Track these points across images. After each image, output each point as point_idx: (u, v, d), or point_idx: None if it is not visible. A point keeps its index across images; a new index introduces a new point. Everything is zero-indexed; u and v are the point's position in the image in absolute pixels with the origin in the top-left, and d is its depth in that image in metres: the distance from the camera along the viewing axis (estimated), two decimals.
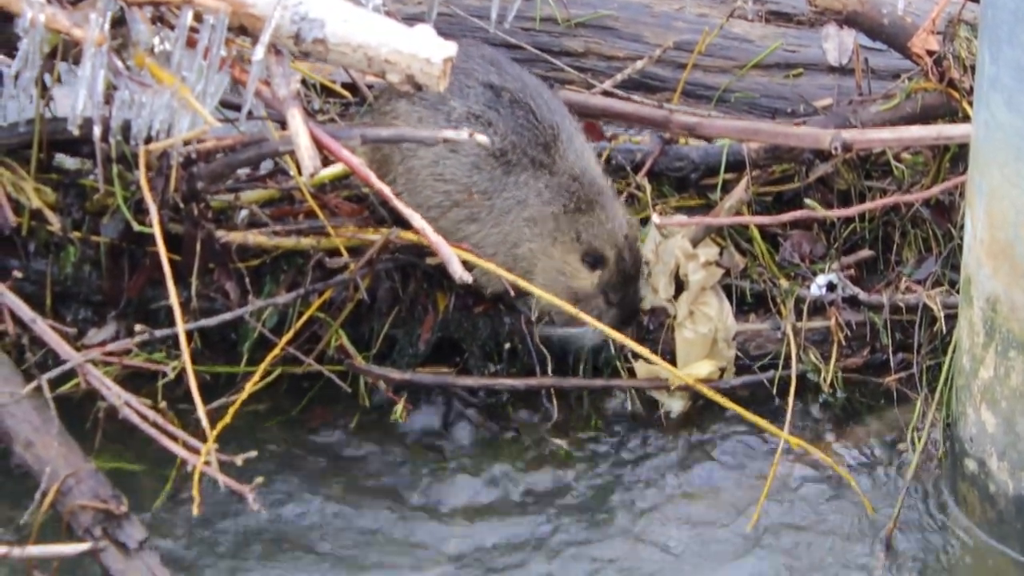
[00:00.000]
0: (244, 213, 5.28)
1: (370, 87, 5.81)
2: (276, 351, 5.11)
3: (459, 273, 4.11)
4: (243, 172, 5.44)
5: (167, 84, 4.23)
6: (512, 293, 5.04)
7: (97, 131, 4.32)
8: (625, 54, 6.23)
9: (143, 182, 4.80)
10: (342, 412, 5.23)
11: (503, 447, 5.19)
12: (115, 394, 4.48)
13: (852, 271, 5.55)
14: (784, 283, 5.46)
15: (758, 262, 5.54)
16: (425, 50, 4.20)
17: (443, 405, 5.27)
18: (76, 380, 4.61)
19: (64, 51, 4.49)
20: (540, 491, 5.04)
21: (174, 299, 4.55)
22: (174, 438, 4.41)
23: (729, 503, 5.00)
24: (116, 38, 4.23)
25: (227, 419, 4.76)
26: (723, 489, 5.06)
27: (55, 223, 5.16)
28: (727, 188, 5.64)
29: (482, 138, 4.39)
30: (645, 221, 5.50)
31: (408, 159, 5.16)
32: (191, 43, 4.21)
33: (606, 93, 6.02)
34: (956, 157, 5.55)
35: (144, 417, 4.43)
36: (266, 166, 5.50)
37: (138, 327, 4.91)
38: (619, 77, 6.13)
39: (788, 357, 5.31)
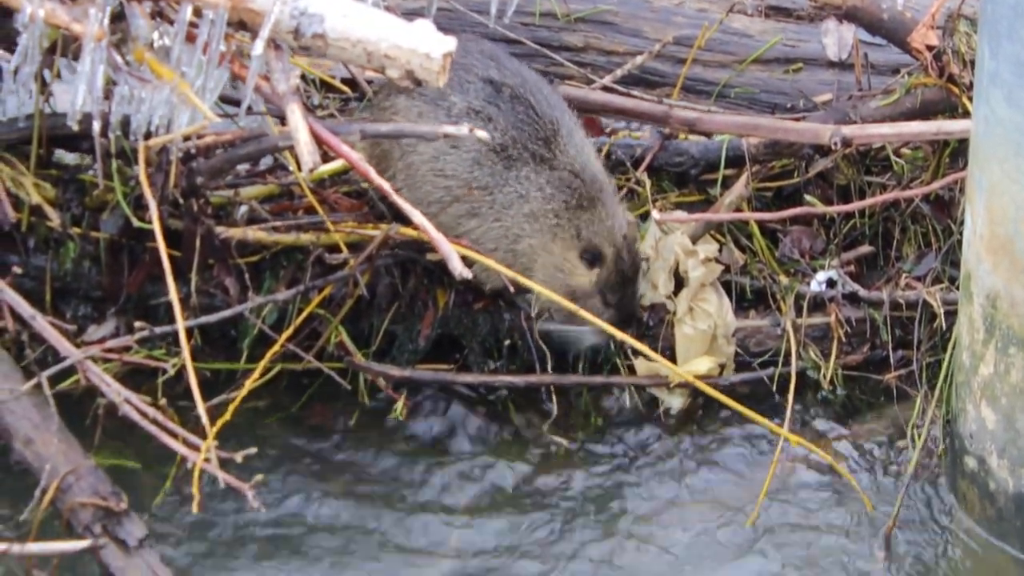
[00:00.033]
0: (244, 209, 5.27)
1: (369, 82, 5.81)
2: (276, 348, 5.11)
3: (459, 269, 4.11)
4: (243, 168, 5.44)
5: (166, 79, 4.22)
6: (512, 290, 5.03)
7: (96, 126, 4.31)
8: (625, 49, 6.23)
9: (143, 178, 4.79)
10: (342, 409, 5.23)
11: (503, 444, 5.18)
12: (115, 391, 4.48)
13: (852, 267, 5.55)
14: (784, 279, 5.46)
15: (758, 258, 5.54)
16: (425, 45, 4.19)
17: (443, 402, 5.26)
18: (76, 377, 4.60)
19: (63, 46, 4.49)
20: (540, 489, 5.04)
21: (174, 295, 4.55)
22: (174, 435, 4.40)
23: (729, 500, 5.00)
24: (115, 33, 4.23)
25: (227, 416, 4.76)
26: (723, 486, 5.06)
27: (54, 219, 5.15)
28: (727, 184, 5.64)
29: (482, 133, 4.38)
30: (645, 217, 5.49)
31: (408, 155, 5.16)
32: (190, 38, 4.21)
33: (606, 88, 6.01)
34: (956, 152, 5.55)
35: (144, 414, 4.43)
36: (265, 162, 5.50)
37: (138, 323, 4.89)
38: (619, 72, 6.12)
39: (788, 354, 5.31)
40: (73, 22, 4.19)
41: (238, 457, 4.35)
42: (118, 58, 4.23)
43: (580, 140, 5.20)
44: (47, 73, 4.82)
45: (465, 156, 5.12)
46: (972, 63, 5.29)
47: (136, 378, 4.89)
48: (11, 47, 4.33)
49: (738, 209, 5.52)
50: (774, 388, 5.30)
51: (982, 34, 4.47)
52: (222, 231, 5.14)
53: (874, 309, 5.39)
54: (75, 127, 4.35)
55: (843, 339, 5.37)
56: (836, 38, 6.13)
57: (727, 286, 5.42)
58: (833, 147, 5.38)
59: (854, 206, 5.52)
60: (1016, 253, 4.49)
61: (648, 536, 4.88)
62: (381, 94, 5.36)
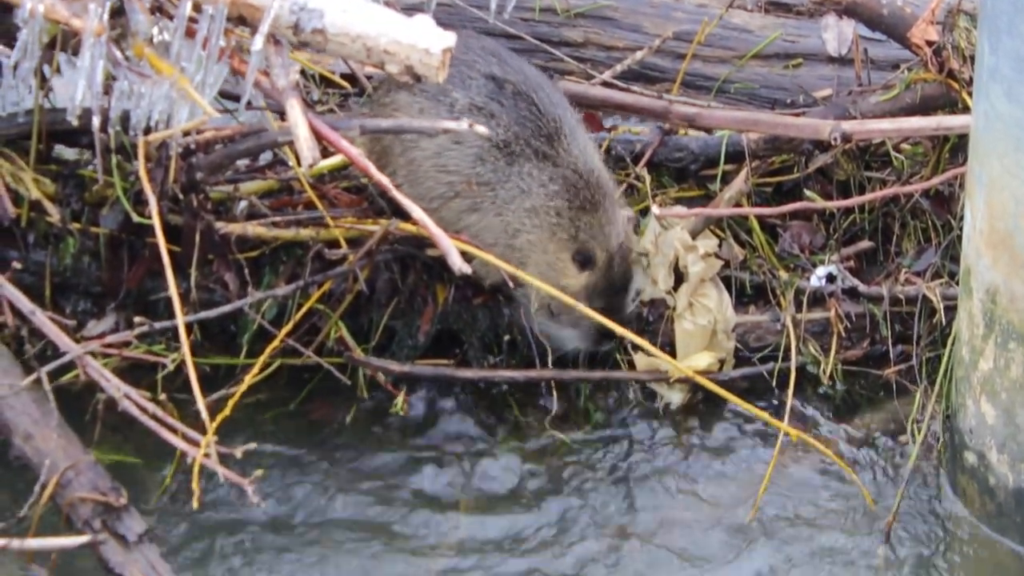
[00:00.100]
0: (243, 204, 5.27)
1: (369, 78, 5.80)
2: (275, 343, 5.10)
3: (458, 264, 4.11)
4: (242, 163, 5.44)
5: (166, 74, 4.22)
6: (512, 285, 5.03)
7: (96, 121, 4.32)
8: (624, 44, 6.22)
9: (142, 173, 4.79)
10: (341, 404, 5.23)
11: (503, 439, 5.18)
12: (114, 386, 4.48)
13: (852, 262, 5.55)
14: (783, 274, 5.46)
15: (757, 253, 5.54)
16: (424, 40, 4.19)
17: (442, 397, 5.26)
18: (75, 372, 4.60)
19: (63, 41, 4.49)
20: (540, 484, 5.04)
21: (173, 290, 4.55)
22: (174, 430, 4.40)
23: (729, 495, 5.00)
24: (115, 28, 4.23)
25: (226, 411, 4.75)
26: (722, 481, 5.06)
27: (54, 214, 5.15)
28: (726, 179, 5.64)
29: (481, 129, 4.38)
30: (644, 212, 5.49)
31: (410, 150, 5.15)
32: (190, 33, 4.21)
33: (605, 84, 6.01)
34: (956, 147, 5.54)
35: (143, 409, 4.43)
36: (265, 157, 5.49)
37: (137, 319, 4.89)
38: (618, 68, 6.12)
39: (788, 349, 5.30)
40: (73, 17, 4.19)
41: (238, 452, 4.35)
42: (118, 53, 4.23)
43: (583, 140, 5.19)
44: (47, 68, 4.81)
45: (468, 152, 5.12)
46: (972, 58, 5.29)
47: (136, 373, 4.88)
48: (11, 42, 4.33)
49: (738, 204, 5.52)
50: (774, 383, 5.30)
51: (982, 29, 4.46)
52: (222, 226, 5.13)
53: (874, 304, 5.39)
54: (75, 122, 4.35)
55: (843, 334, 5.37)
56: (836, 33, 6.13)
57: (727, 281, 5.42)
58: (833, 142, 5.38)
59: (854, 201, 5.52)
60: (1016, 248, 4.49)
61: (648, 531, 4.88)
62: (381, 90, 5.35)
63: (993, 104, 4.43)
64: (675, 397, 5.30)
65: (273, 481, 4.94)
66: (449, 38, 4.19)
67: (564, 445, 5.17)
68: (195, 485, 4.34)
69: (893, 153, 5.74)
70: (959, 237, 5.05)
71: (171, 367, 4.81)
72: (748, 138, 5.64)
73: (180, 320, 4.55)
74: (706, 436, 5.21)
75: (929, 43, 5.50)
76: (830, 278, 5.44)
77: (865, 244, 5.62)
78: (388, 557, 4.77)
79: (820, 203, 5.54)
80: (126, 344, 4.88)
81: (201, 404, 4.39)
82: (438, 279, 5.31)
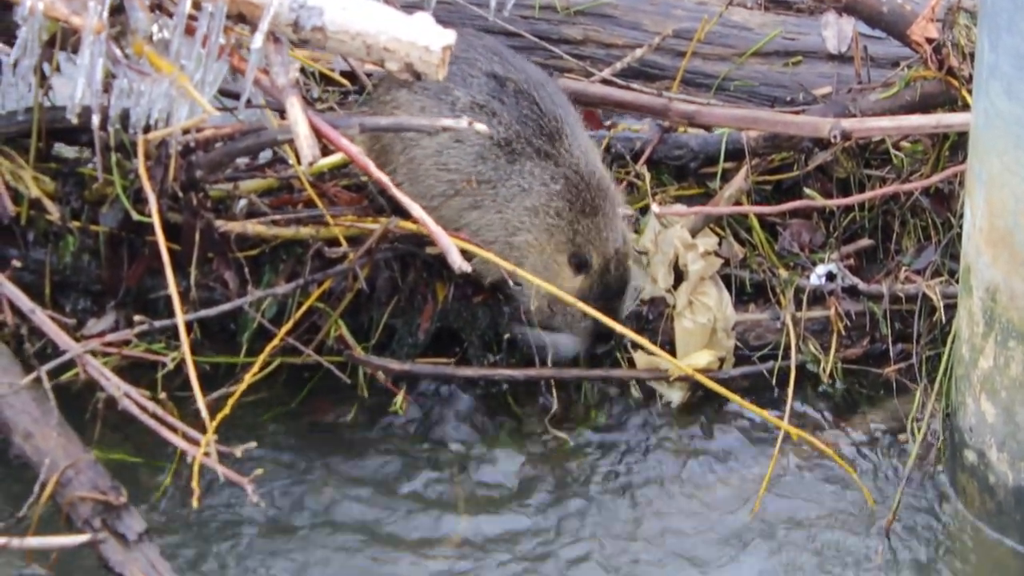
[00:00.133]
0: (243, 202, 5.26)
1: (369, 75, 5.80)
2: (275, 341, 5.10)
3: (458, 263, 4.11)
4: (242, 161, 5.44)
5: (166, 72, 4.22)
6: (512, 284, 5.03)
7: (96, 120, 4.31)
8: (624, 42, 6.22)
9: (142, 171, 4.79)
10: (341, 403, 5.22)
11: (503, 438, 5.18)
12: (114, 385, 4.47)
13: (851, 260, 5.55)
14: (783, 273, 5.46)
15: (757, 252, 5.53)
16: (424, 38, 4.19)
17: (442, 396, 5.26)
18: (75, 370, 4.60)
19: (63, 39, 4.48)
20: (540, 482, 5.04)
21: (173, 289, 4.55)
22: (174, 429, 4.40)
23: (729, 494, 4.99)
24: (115, 26, 4.22)
25: (226, 410, 4.75)
26: (723, 480, 5.06)
27: (54, 212, 5.15)
28: (726, 177, 5.64)
29: (480, 127, 4.38)
30: (644, 210, 5.49)
31: (411, 148, 5.15)
32: (190, 31, 4.20)
33: (605, 81, 6.01)
34: (955, 145, 5.54)
35: (143, 408, 4.42)
36: (265, 155, 5.49)
37: (137, 317, 4.89)
38: (618, 65, 6.12)
39: (788, 347, 5.30)
40: (72, 15, 4.19)
41: (237, 451, 4.35)
42: (117, 51, 4.23)
43: (584, 141, 5.19)
44: (46, 66, 4.82)
45: (469, 150, 5.11)
46: (972, 56, 5.29)
47: (135, 372, 4.88)
48: (10, 40, 4.32)
49: (737, 202, 5.52)
50: (774, 382, 5.29)
51: (982, 27, 4.46)
52: (221, 225, 5.13)
53: (874, 302, 5.39)
54: (74, 120, 4.35)
55: (843, 332, 5.37)
56: (836, 31, 6.13)
57: (727, 280, 5.42)
58: (832, 140, 5.38)
59: (853, 199, 5.52)
60: (1016, 246, 4.49)
61: (648, 530, 4.88)
62: (382, 88, 5.35)
63: (993, 102, 4.43)
64: (675, 395, 5.29)
65: (273, 480, 4.94)
66: (449, 36, 4.19)
67: (564, 443, 5.17)
68: (195, 484, 4.34)
69: (893, 151, 5.74)
70: (959, 235, 5.05)
71: (171, 366, 4.81)
72: (748, 136, 5.63)
73: (180, 318, 4.55)
74: (706, 435, 5.21)
75: (929, 40, 5.50)
76: (830, 276, 5.44)
77: (865, 242, 5.62)
78: (388, 557, 4.77)
79: (820, 201, 5.54)
80: (126, 343, 4.88)
81: (201, 403, 4.39)
82: (438, 277, 5.31)
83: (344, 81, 5.82)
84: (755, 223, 5.56)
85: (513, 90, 5.13)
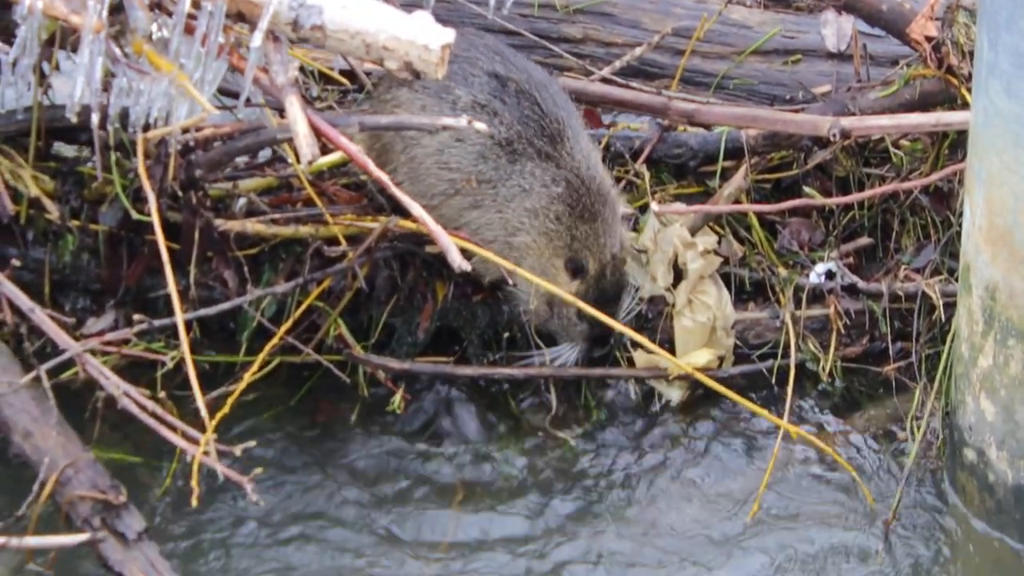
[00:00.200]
0: (242, 201, 5.26)
1: (368, 74, 5.80)
2: (275, 340, 5.10)
3: (458, 262, 4.11)
4: (241, 160, 5.43)
5: (165, 71, 4.21)
6: (511, 283, 5.03)
7: (95, 119, 4.30)
8: (624, 40, 6.22)
9: (141, 170, 4.79)
10: (341, 401, 5.22)
11: (502, 437, 5.18)
12: (114, 384, 4.47)
13: (851, 259, 5.55)
14: (783, 271, 5.46)
15: (757, 250, 5.53)
16: (423, 37, 4.19)
17: (442, 395, 5.26)
18: (75, 369, 4.60)
19: (62, 38, 4.48)
20: (540, 481, 5.04)
21: (172, 288, 4.55)
22: (173, 428, 4.40)
23: (728, 492, 5.00)
24: (114, 25, 4.22)
25: (226, 409, 4.74)
26: (722, 478, 5.06)
27: (53, 211, 5.14)
28: (725, 175, 5.64)
29: (480, 125, 4.37)
30: (644, 209, 5.49)
31: (411, 147, 5.15)
32: (189, 30, 4.20)
33: (604, 80, 6.02)
34: (955, 144, 5.54)
35: (143, 407, 4.43)
36: (264, 154, 5.49)
37: (137, 316, 4.89)
38: (617, 64, 6.12)
39: (787, 346, 5.30)
40: (72, 14, 4.19)
41: (237, 450, 4.35)
42: (117, 50, 4.22)
43: (586, 144, 5.17)
44: (46, 65, 4.81)
45: (470, 149, 5.11)
46: (971, 54, 5.29)
47: (135, 371, 4.88)
48: (10, 39, 4.32)
49: (737, 201, 5.52)
50: (773, 380, 5.30)
51: (981, 25, 4.46)
52: (221, 223, 5.13)
53: (873, 301, 5.39)
54: (74, 119, 4.34)
55: (842, 331, 5.37)
56: (835, 29, 6.12)
57: (726, 278, 5.42)
58: (832, 139, 5.38)
59: (853, 198, 5.51)
60: (1015, 244, 4.49)
61: (648, 528, 4.88)
62: (382, 86, 5.34)
63: (992, 100, 4.43)
64: (674, 394, 5.29)
65: (272, 479, 4.94)
66: (448, 34, 4.19)
67: (564, 442, 5.17)
68: (195, 483, 4.34)
69: (892, 149, 5.74)
70: (958, 233, 5.05)
71: (170, 365, 4.81)
72: (747, 134, 5.63)
73: (179, 317, 4.55)
74: (705, 433, 5.21)
75: (928, 39, 5.50)
76: (829, 275, 5.44)
77: (864, 241, 5.62)
78: (387, 556, 4.77)
79: (819, 200, 5.53)
80: (125, 342, 4.87)
81: (200, 402, 4.39)
82: (438, 276, 5.30)
83: (343, 80, 5.82)
84: (754, 221, 5.56)
85: (515, 90, 5.12)
